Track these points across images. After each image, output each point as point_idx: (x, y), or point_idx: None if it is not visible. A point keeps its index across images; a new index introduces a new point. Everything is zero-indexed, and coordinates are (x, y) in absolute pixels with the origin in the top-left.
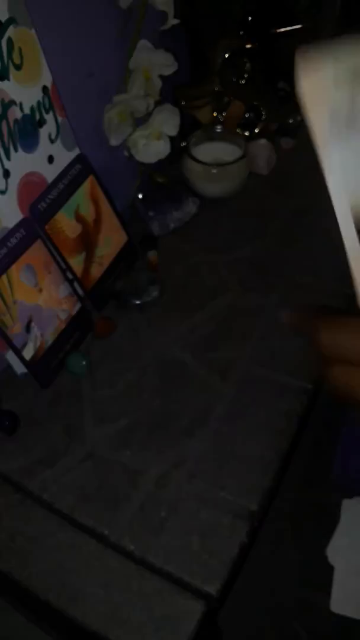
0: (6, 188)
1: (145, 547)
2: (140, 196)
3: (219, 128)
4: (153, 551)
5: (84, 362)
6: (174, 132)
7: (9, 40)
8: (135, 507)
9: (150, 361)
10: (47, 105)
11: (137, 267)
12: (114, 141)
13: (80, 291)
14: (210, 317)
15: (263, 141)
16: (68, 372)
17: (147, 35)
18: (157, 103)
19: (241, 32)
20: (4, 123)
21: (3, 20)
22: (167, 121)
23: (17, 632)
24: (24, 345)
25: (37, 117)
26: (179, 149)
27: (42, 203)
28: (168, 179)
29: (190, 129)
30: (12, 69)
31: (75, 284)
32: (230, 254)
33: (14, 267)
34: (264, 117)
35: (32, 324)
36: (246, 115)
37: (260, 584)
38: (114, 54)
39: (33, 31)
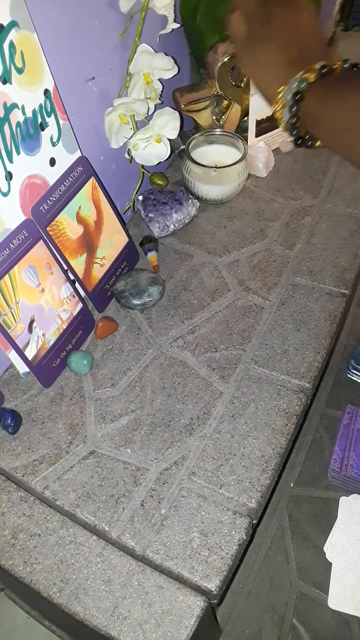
0: (9, 190)
1: (146, 543)
2: (140, 198)
3: (218, 131)
4: (153, 547)
5: (86, 362)
6: (173, 135)
7: (11, 43)
8: (136, 504)
9: (151, 361)
10: (48, 109)
11: (138, 268)
12: (114, 144)
13: (81, 292)
14: (210, 317)
15: (262, 144)
16: (70, 371)
17: (147, 39)
18: (157, 106)
19: None
20: (6, 126)
21: (5, 24)
22: (167, 124)
23: (19, 627)
24: (26, 344)
25: (39, 120)
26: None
27: (44, 205)
28: (168, 181)
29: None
30: (14, 72)
31: (77, 285)
32: (230, 255)
33: (16, 268)
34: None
35: (34, 324)
36: (245, 119)
37: (259, 580)
38: (115, 57)
39: (35, 35)
